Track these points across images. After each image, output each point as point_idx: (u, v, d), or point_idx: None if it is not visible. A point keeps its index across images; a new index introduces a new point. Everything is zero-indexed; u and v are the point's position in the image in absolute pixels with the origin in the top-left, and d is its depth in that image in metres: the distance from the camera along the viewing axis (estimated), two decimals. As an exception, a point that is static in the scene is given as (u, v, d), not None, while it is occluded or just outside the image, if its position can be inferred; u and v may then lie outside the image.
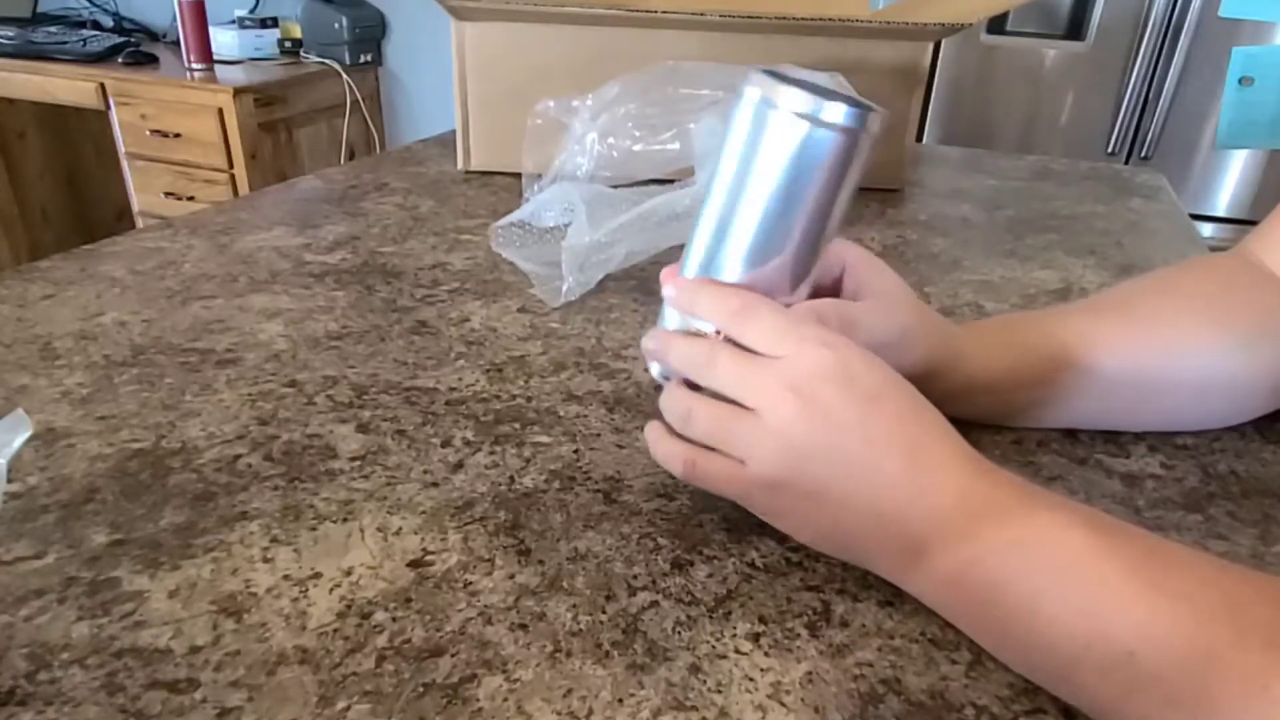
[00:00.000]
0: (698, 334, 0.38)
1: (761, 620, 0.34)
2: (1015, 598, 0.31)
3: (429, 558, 0.37)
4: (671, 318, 0.39)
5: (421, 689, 0.30)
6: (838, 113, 0.34)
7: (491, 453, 0.44)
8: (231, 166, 2.16)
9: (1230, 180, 1.94)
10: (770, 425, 0.34)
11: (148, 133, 2.18)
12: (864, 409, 0.33)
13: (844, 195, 0.36)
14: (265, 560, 0.36)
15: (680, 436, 0.37)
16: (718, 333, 0.37)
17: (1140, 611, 0.28)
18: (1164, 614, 0.28)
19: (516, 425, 0.47)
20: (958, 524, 0.32)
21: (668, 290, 0.38)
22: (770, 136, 0.34)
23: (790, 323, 0.35)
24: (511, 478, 0.42)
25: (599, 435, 0.46)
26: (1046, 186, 1.00)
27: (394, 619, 0.33)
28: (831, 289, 0.42)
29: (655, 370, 0.41)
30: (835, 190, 0.35)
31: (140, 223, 2.28)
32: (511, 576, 0.36)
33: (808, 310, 0.38)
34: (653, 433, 0.38)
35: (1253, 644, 0.26)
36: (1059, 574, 0.30)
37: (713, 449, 0.36)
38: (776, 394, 0.34)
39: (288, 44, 2.43)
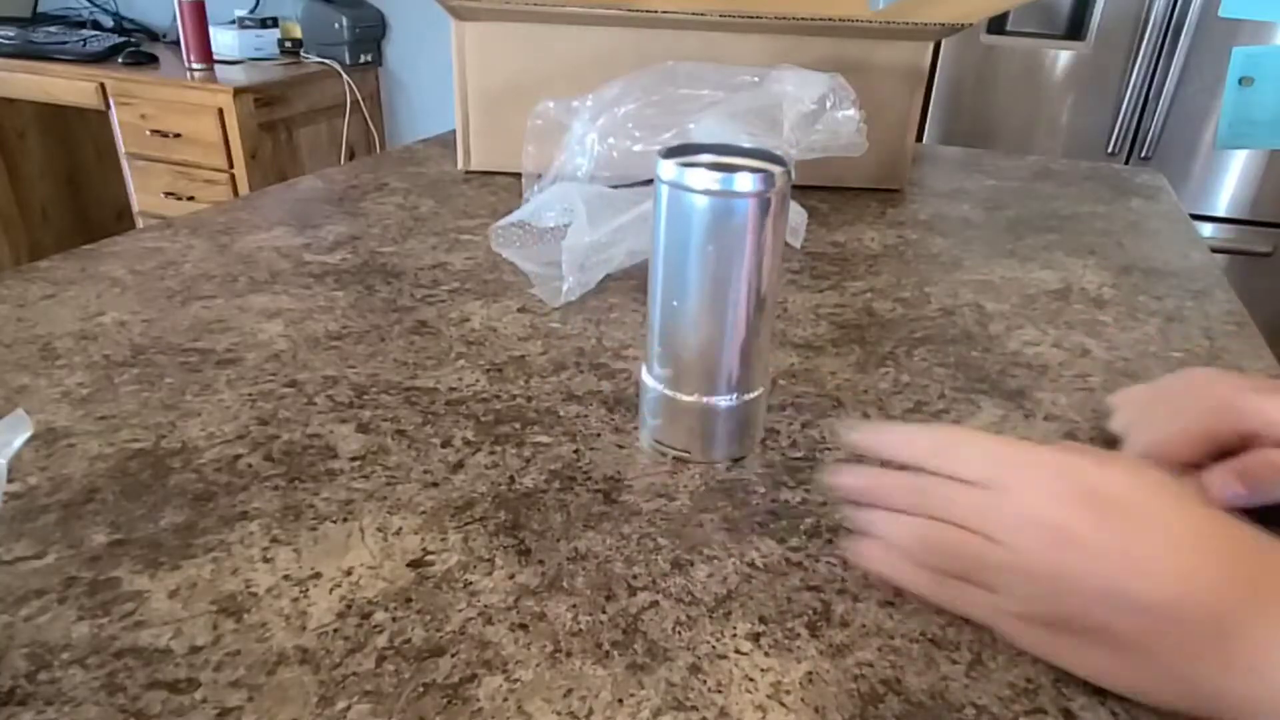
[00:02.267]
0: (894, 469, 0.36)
1: (761, 620, 0.34)
2: None
3: (429, 558, 0.37)
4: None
5: (421, 689, 0.30)
6: (747, 182, 0.37)
7: (491, 453, 0.44)
8: (231, 166, 2.16)
9: (1230, 180, 1.94)
10: (1018, 561, 0.31)
11: (148, 133, 2.18)
12: (1122, 529, 0.30)
13: (771, 246, 0.39)
14: (265, 560, 0.36)
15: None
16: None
17: None
18: None
19: (516, 425, 0.47)
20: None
21: (857, 438, 0.37)
22: (690, 215, 0.38)
23: (1000, 446, 0.34)
24: (511, 478, 0.42)
25: (599, 435, 0.46)
26: (1046, 186, 1.00)
27: (394, 619, 0.33)
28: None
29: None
30: (761, 247, 0.38)
31: (140, 223, 2.28)
32: (511, 576, 0.36)
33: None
34: (875, 551, 0.36)
35: None
36: None
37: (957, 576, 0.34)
38: (1018, 527, 0.31)
39: (288, 44, 2.43)
